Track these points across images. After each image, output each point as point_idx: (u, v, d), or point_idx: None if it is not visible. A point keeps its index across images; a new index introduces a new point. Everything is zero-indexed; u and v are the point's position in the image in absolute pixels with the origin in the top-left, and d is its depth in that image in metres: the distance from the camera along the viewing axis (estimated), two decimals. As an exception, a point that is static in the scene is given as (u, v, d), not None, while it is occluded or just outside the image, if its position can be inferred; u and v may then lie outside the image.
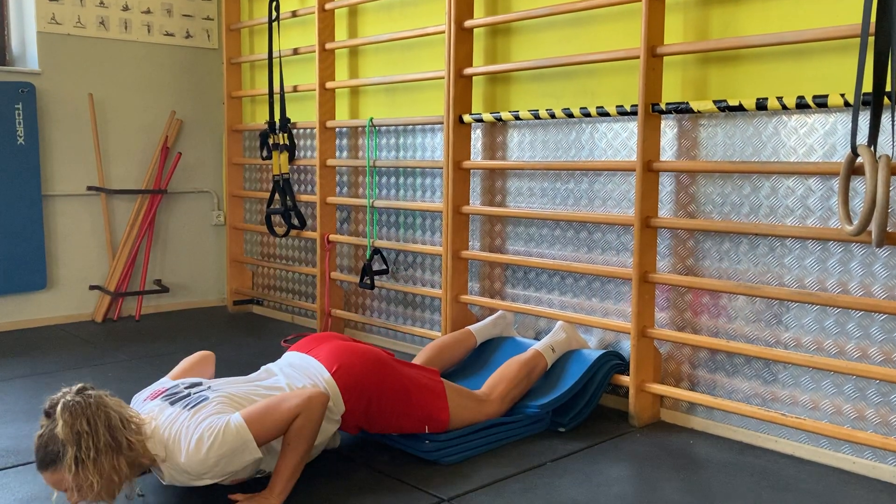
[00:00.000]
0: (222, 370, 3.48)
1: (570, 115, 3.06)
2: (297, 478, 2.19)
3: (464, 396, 2.66)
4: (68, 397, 2.03)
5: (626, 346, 2.98)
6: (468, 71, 3.39)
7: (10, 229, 4.27)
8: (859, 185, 2.38)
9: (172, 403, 2.21)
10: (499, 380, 2.77)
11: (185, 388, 2.30)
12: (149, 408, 2.23)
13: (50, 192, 4.46)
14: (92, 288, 4.64)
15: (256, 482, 2.27)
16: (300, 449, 2.17)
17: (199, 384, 2.33)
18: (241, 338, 4.24)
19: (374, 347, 2.65)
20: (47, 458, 2.03)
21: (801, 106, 2.45)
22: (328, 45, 4.09)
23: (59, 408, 2.02)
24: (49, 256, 4.47)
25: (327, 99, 4.15)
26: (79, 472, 1.99)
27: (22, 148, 4.28)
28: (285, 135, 4.34)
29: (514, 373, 2.79)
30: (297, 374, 2.45)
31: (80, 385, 2.09)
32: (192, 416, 2.13)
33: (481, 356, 3.21)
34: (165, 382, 2.40)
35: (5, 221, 4.25)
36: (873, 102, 2.18)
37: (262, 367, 2.56)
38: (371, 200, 3.94)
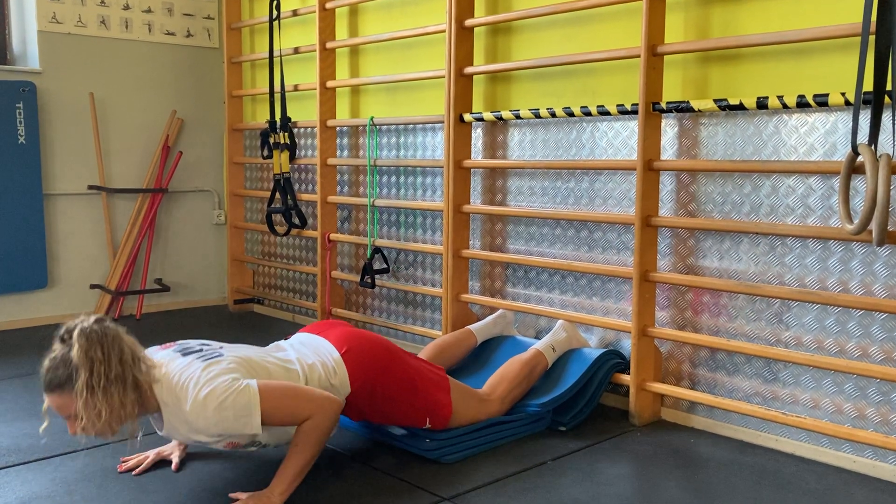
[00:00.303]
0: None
1: (571, 114, 3.06)
2: (300, 481, 2.19)
3: (467, 394, 2.66)
4: (86, 324, 2.04)
5: (627, 345, 2.98)
6: (469, 70, 3.39)
7: (11, 228, 4.27)
8: (860, 184, 2.37)
9: (185, 355, 2.21)
10: (500, 379, 2.77)
11: (199, 345, 2.30)
12: (160, 355, 2.23)
13: (51, 191, 4.46)
14: (93, 287, 4.64)
15: (258, 481, 2.27)
16: (307, 453, 2.16)
17: (210, 344, 2.33)
18: (242, 337, 4.24)
19: (383, 337, 2.65)
20: (56, 380, 2.03)
21: (802, 105, 2.45)
22: (329, 44, 4.09)
23: (75, 332, 2.03)
24: (50, 255, 4.47)
25: (328, 98, 4.15)
26: (88, 398, 1.99)
27: (23, 147, 4.28)
28: (286, 134, 4.34)
29: (516, 373, 2.79)
30: (308, 350, 2.45)
31: (97, 315, 2.09)
32: (205, 368, 2.12)
33: (482, 355, 3.21)
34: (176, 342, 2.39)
35: (6, 220, 4.25)
36: (874, 101, 2.18)
37: (273, 343, 2.55)
38: (372, 199, 3.94)
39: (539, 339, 3.11)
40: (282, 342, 2.55)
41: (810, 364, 2.51)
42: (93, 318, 2.07)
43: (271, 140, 4.36)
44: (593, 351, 2.98)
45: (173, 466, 2.42)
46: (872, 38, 2.17)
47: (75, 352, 2.01)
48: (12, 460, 2.50)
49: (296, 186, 4.50)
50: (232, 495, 2.20)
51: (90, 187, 4.60)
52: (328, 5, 4.06)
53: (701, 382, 2.85)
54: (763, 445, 2.67)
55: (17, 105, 4.24)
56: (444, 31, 3.44)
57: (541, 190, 3.30)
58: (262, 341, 4.09)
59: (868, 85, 2.19)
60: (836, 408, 2.52)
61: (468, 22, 3.37)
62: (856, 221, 2.23)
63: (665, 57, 2.79)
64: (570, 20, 3.13)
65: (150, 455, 2.45)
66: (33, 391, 3.21)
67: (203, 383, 2.09)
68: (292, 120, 4.37)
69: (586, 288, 3.17)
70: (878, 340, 2.42)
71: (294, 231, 4.40)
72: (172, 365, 2.17)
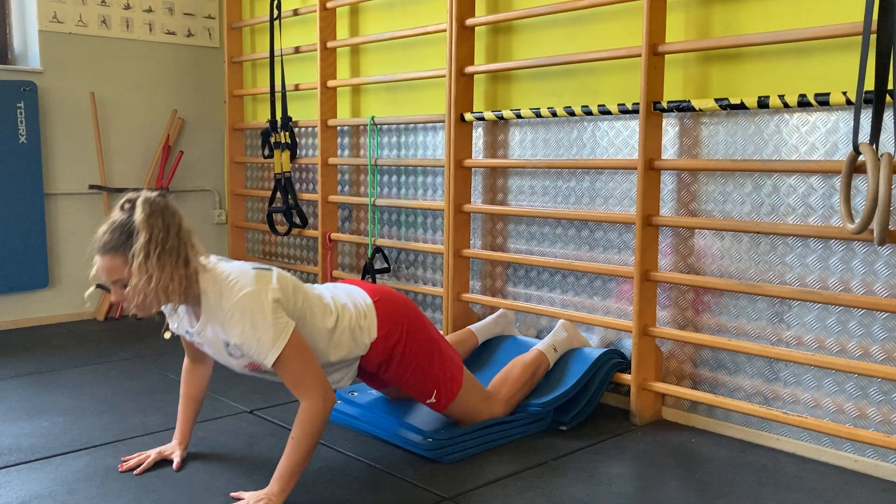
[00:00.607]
0: (223, 368, 3.48)
1: (572, 114, 3.06)
2: (298, 478, 2.19)
3: (476, 385, 2.67)
4: (150, 195, 2.12)
5: (628, 345, 2.98)
6: (469, 69, 3.39)
7: (12, 228, 4.27)
8: (861, 184, 2.37)
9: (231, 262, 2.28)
10: (503, 381, 2.76)
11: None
12: (212, 257, 2.28)
13: (52, 191, 4.46)
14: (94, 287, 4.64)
15: (258, 481, 2.27)
16: (302, 448, 2.16)
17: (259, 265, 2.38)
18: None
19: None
20: (113, 241, 2.09)
21: (803, 104, 2.45)
22: (330, 44, 4.09)
23: (139, 200, 2.11)
24: (51, 255, 4.47)
25: (329, 97, 4.15)
26: (142, 262, 2.05)
27: (24, 146, 4.28)
28: (287, 133, 4.34)
29: (518, 374, 2.79)
30: (340, 293, 2.50)
31: (161, 191, 2.15)
32: (257, 277, 2.18)
33: (483, 355, 3.21)
34: None
35: (7, 220, 4.25)
36: (875, 100, 2.18)
37: (307, 284, 2.54)
38: (372, 199, 3.94)
39: (540, 338, 3.11)
40: (315, 285, 2.56)
41: (811, 363, 2.51)
42: (156, 192, 2.16)
43: (272, 139, 4.36)
44: (594, 350, 2.98)
45: (174, 465, 2.42)
46: (874, 37, 2.17)
47: (137, 216, 2.08)
48: (13, 459, 2.50)
49: (297, 186, 4.50)
50: (233, 495, 2.21)
51: (91, 187, 4.60)
52: (329, 4, 4.06)
53: (702, 382, 2.85)
54: (764, 445, 2.67)
55: (19, 105, 4.24)
56: (444, 31, 3.44)
57: (542, 189, 3.30)
58: (263, 341, 4.10)
59: (869, 84, 2.19)
60: (838, 407, 2.52)
61: (469, 21, 3.37)
62: (857, 221, 2.23)
63: (666, 56, 2.79)
64: (570, 19, 3.13)
65: (152, 454, 2.45)
66: (34, 391, 3.21)
67: (251, 291, 2.13)
68: (293, 119, 4.37)
69: (587, 287, 3.17)
70: (879, 340, 2.42)
71: (295, 230, 4.40)
72: (224, 264, 2.23)
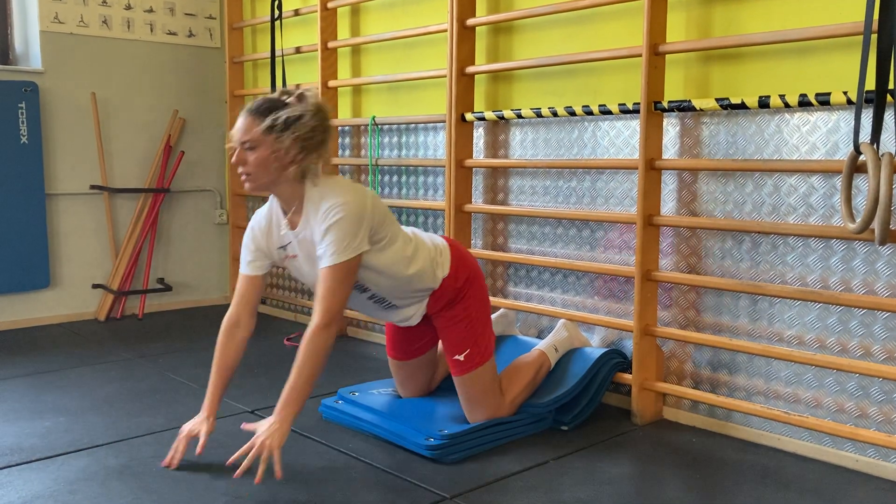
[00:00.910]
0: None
1: (573, 114, 3.06)
2: (302, 405, 2.29)
3: (496, 373, 2.72)
4: (320, 98, 2.39)
5: (629, 345, 2.98)
6: (470, 69, 3.39)
7: (14, 228, 4.27)
8: (862, 183, 2.37)
9: None
10: (507, 383, 2.76)
11: None
12: None
13: (53, 191, 4.47)
14: (95, 287, 4.64)
15: (261, 482, 2.27)
16: (305, 373, 2.27)
17: None
18: (244, 336, 4.24)
19: None
20: (265, 106, 2.27)
21: (804, 104, 2.45)
22: (330, 44, 4.09)
23: (308, 92, 2.34)
24: (52, 255, 4.48)
25: (330, 97, 4.15)
26: (279, 133, 2.24)
27: (25, 147, 4.28)
28: (288, 133, 4.34)
29: (521, 376, 2.79)
30: (419, 231, 2.67)
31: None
32: (358, 200, 2.33)
33: (484, 354, 3.21)
34: None
35: (8, 220, 4.26)
36: (876, 100, 2.18)
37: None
38: (373, 199, 3.94)
39: (541, 338, 3.11)
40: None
41: (812, 363, 2.51)
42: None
43: (273, 140, 4.36)
44: (595, 350, 2.98)
45: (199, 447, 2.41)
46: (874, 36, 2.17)
47: (299, 96, 2.30)
48: (14, 460, 2.51)
49: (298, 186, 4.50)
50: (245, 426, 2.33)
51: (92, 187, 4.60)
52: (330, 5, 4.07)
53: (703, 382, 2.85)
54: (765, 445, 2.67)
55: (20, 105, 4.25)
56: (445, 31, 3.44)
57: (542, 189, 3.30)
58: (265, 341, 4.11)
59: (870, 84, 2.19)
60: (839, 407, 2.52)
61: (470, 21, 3.37)
62: (858, 220, 2.23)
63: (667, 56, 2.79)
64: (571, 19, 3.13)
65: (181, 437, 2.46)
66: (35, 391, 3.21)
67: (349, 201, 2.30)
68: (294, 119, 4.37)
69: (588, 287, 3.17)
70: (880, 339, 2.42)
71: (296, 230, 4.40)
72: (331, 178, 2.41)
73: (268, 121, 2.25)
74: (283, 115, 2.25)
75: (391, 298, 2.58)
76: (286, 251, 2.46)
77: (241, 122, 2.29)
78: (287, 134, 2.24)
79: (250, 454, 2.22)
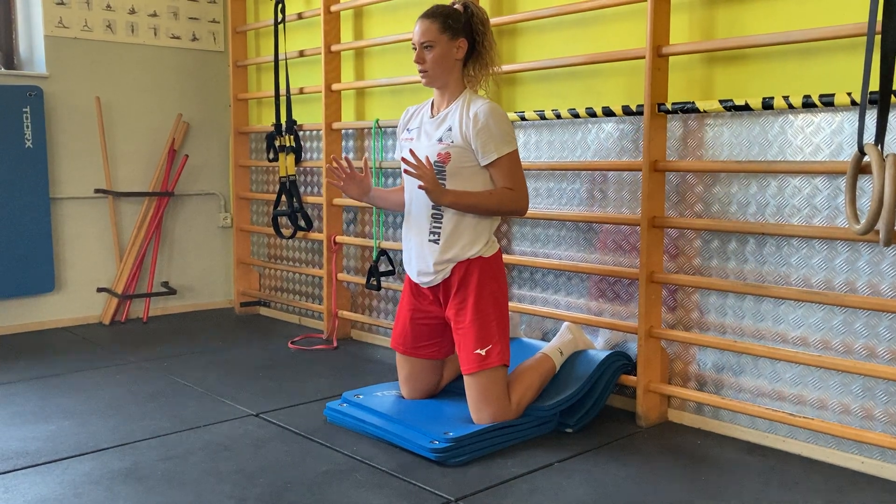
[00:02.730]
0: (229, 371, 3.49)
1: (576, 116, 3.06)
2: (465, 209, 2.64)
3: (507, 381, 2.73)
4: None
5: (633, 347, 2.98)
6: (474, 72, 3.39)
7: (18, 232, 4.28)
8: (866, 184, 2.37)
9: None
10: (512, 387, 2.76)
11: None
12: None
13: (58, 195, 4.48)
14: (100, 290, 4.65)
15: (263, 483, 2.27)
16: (492, 200, 2.65)
17: None
18: (249, 339, 4.25)
19: None
20: (443, 12, 2.66)
21: (808, 105, 2.45)
22: (334, 47, 4.10)
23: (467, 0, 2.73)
24: (57, 259, 4.49)
25: (333, 100, 4.16)
26: (453, 35, 2.65)
27: (30, 151, 4.30)
28: (291, 137, 4.35)
29: (526, 379, 2.79)
30: None
31: None
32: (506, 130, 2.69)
33: (488, 357, 3.21)
34: None
35: (13, 224, 4.27)
36: (880, 101, 2.17)
37: None
38: (377, 202, 3.94)
39: (546, 341, 3.10)
40: None
41: (817, 365, 2.51)
42: None
43: (277, 143, 4.37)
44: (600, 353, 2.97)
45: (350, 160, 2.87)
46: (878, 37, 2.17)
47: (464, 7, 2.69)
48: (21, 463, 2.51)
49: (301, 189, 4.51)
50: (407, 166, 2.60)
51: (97, 191, 4.61)
52: (333, 8, 4.07)
53: (708, 383, 2.85)
54: (770, 446, 2.67)
55: (24, 109, 4.26)
56: (448, 34, 3.44)
57: (546, 191, 3.30)
58: (269, 343, 4.12)
59: (874, 84, 2.19)
60: (844, 408, 2.51)
61: (473, 24, 3.37)
62: (862, 221, 2.22)
63: (670, 58, 2.79)
64: (574, 22, 3.13)
65: (349, 167, 2.87)
66: (41, 395, 3.22)
67: (498, 106, 2.67)
68: (298, 123, 4.38)
69: (592, 289, 3.17)
70: (885, 340, 2.41)
71: (300, 234, 4.40)
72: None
73: (452, 26, 2.65)
74: (462, 22, 2.66)
75: (445, 213, 2.71)
76: (410, 134, 2.81)
77: (419, 26, 2.66)
78: (461, 37, 2.67)
79: (419, 166, 2.55)
